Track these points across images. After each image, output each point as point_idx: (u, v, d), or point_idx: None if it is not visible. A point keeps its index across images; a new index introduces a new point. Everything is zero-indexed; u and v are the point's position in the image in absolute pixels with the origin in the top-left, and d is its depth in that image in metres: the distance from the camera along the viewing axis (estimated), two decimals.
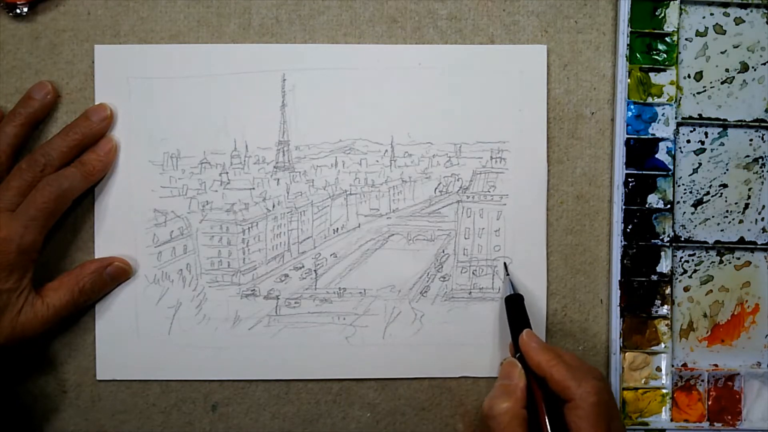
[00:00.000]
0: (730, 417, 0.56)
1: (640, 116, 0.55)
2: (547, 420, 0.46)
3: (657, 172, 0.55)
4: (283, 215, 0.55)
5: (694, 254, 0.56)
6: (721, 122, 0.56)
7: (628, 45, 0.54)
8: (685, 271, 0.56)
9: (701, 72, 0.56)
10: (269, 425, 0.55)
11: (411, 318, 0.55)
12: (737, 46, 0.56)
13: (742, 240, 0.56)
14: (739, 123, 0.56)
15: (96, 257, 0.54)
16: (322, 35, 0.55)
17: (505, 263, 0.55)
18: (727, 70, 0.56)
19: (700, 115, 0.56)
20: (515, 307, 0.53)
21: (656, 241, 0.55)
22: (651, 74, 0.55)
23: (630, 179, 0.55)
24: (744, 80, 0.56)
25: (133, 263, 0.54)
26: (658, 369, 0.56)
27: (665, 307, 0.55)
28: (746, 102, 0.56)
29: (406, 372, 0.55)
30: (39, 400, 0.54)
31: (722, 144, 0.56)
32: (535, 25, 0.55)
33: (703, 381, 0.56)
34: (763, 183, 0.56)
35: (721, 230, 0.56)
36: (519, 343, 0.49)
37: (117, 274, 0.53)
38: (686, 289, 0.56)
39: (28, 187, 0.50)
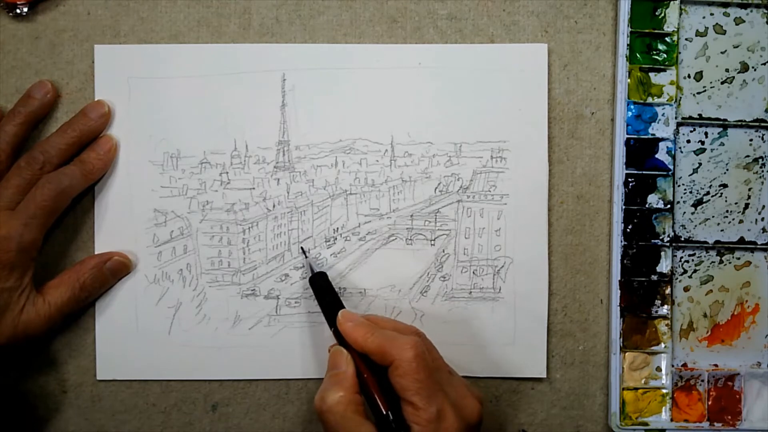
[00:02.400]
0: (730, 417, 0.56)
1: (640, 116, 0.55)
2: (380, 397, 0.45)
3: (657, 172, 0.55)
4: (283, 215, 0.55)
5: (694, 254, 0.56)
6: (721, 122, 0.56)
7: (628, 45, 0.54)
8: (685, 271, 0.56)
9: (701, 72, 0.56)
10: (269, 425, 0.55)
11: (411, 318, 0.55)
12: (737, 46, 0.56)
13: (742, 240, 0.56)
14: (739, 123, 0.56)
15: None
16: (322, 35, 0.55)
17: (302, 247, 0.54)
18: (727, 70, 0.56)
19: (700, 115, 0.56)
20: (321, 286, 0.51)
21: (656, 241, 0.55)
22: (651, 74, 0.55)
23: (630, 179, 0.55)
24: (744, 80, 0.56)
25: (133, 263, 0.54)
26: (658, 369, 0.56)
27: (665, 307, 0.55)
28: (746, 102, 0.56)
29: None
30: (39, 400, 0.54)
31: (722, 144, 0.56)
32: (535, 25, 0.55)
33: (703, 381, 0.56)
34: (763, 183, 0.56)
35: (721, 230, 0.56)
36: (337, 326, 0.48)
37: (117, 269, 0.53)
38: (686, 289, 0.56)
39: (28, 185, 0.50)
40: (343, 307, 0.50)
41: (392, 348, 0.45)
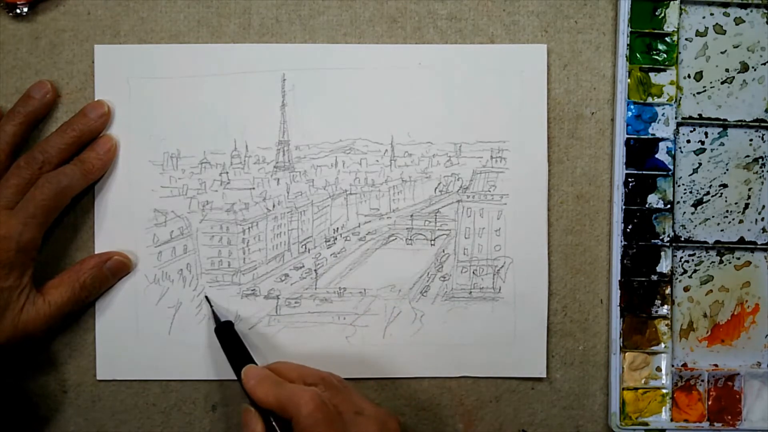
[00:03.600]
0: (730, 417, 0.56)
1: (640, 116, 0.55)
2: None
3: (657, 172, 0.55)
4: (283, 215, 0.55)
5: (694, 254, 0.56)
6: (721, 122, 0.56)
7: (628, 45, 0.54)
8: (685, 271, 0.56)
9: (701, 72, 0.56)
10: None
11: (411, 318, 0.55)
12: (737, 46, 0.56)
13: (742, 240, 0.56)
14: (739, 123, 0.56)
15: None
16: (322, 35, 0.55)
17: (206, 296, 0.54)
18: (727, 70, 0.56)
19: (700, 115, 0.56)
20: (228, 337, 0.51)
21: (656, 241, 0.55)
22: (651, 74, 0.55)
23: (630, 179, 0.55)
24: (744, 80, 0.56)
25: (133, 263, 0.54)
26: (658, 369, 0.56)
27: (665, 307, 0.55)
28: (746, 102, 0.56)
29: (406, 372, 0.55)
30: (39, 400, 0.54)
31: (722, 144, 0.56)
32: (535, 25, 0.55)
33: (703, 381, 0.56)
34: (763, 183, 0.56)
35: (721, 230, 0.56)
36: (243, 383, 0.48)
37: (117, 268, 0.53)
38: (686, 289, 0.56)
39: (27, 185, 0.50)
40: (251, 359, 0.50)
41: (290, 404, 0.45)
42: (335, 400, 0.47)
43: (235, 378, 0.49)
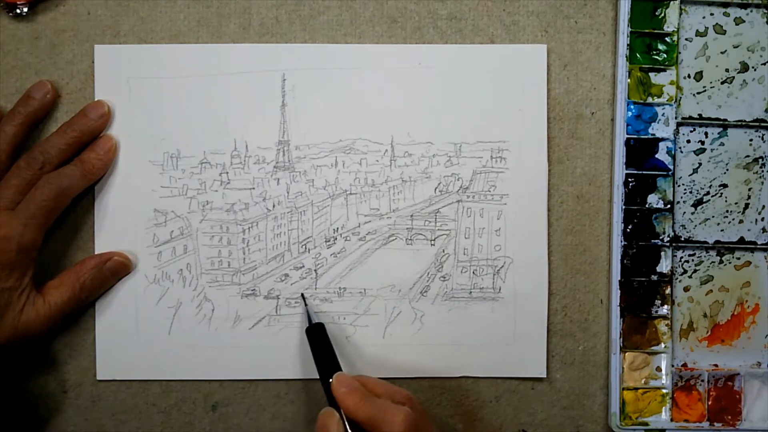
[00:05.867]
0: (730, 417, 0.56)
1: (640, 116, 0.55)
2: None
3: (657, 172, 0.55)
4: (283, 215, 0.55)
5: (694, 254, 0.56)
6: (721, 122, 0.56)
7: (628, 45, 0.54)
8: (685, 271, 0.56)
9: (701, 72, 0.56)
10: (269, 425, 0.55)
11: (411, 318, 0.55)
12: (737, 46, 0.56)
13: (742, 240, 0.56)
14: (739, 123, 0.56)
15: None
16: (322, 35, 0.55)
17: (302, 294, 0.54)
18: (727, 70, 0.56)
19: (700, 115, 0.56)
20: (319, 339, 0.51)
21: (656, 241, 0.55)
22: (651, 74, 0.55)
23: (630, 179, 0.55)
24: (744, 80, 0.56)
25: (133, 263, 0.54)
26: (658, 369, 0.56)
27: (665, 307, 0.55)
28: (746, 102, 0.56)
29: (406, 372, 0.55)
30: (39, 399, 0.54)
31: (722, 144, 0.56)
32: (535, 25, 0.55)
33: (703, 381, 0.56)
34: (763, 183, 0.56)
35: (721, 230, 0.56)
36: (331, 390, 0.48)
37: (117, 269, 0.53)
38: (686, 289, 0.56)
39: (28, 186, 0.50)
40: (338, 365, 0.50)
41: (383, 422, 0.44)
42: (421, 423, 0.46)
43: (320, 379, 0.49)
